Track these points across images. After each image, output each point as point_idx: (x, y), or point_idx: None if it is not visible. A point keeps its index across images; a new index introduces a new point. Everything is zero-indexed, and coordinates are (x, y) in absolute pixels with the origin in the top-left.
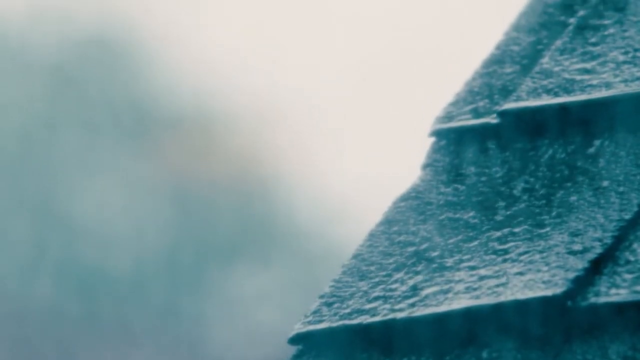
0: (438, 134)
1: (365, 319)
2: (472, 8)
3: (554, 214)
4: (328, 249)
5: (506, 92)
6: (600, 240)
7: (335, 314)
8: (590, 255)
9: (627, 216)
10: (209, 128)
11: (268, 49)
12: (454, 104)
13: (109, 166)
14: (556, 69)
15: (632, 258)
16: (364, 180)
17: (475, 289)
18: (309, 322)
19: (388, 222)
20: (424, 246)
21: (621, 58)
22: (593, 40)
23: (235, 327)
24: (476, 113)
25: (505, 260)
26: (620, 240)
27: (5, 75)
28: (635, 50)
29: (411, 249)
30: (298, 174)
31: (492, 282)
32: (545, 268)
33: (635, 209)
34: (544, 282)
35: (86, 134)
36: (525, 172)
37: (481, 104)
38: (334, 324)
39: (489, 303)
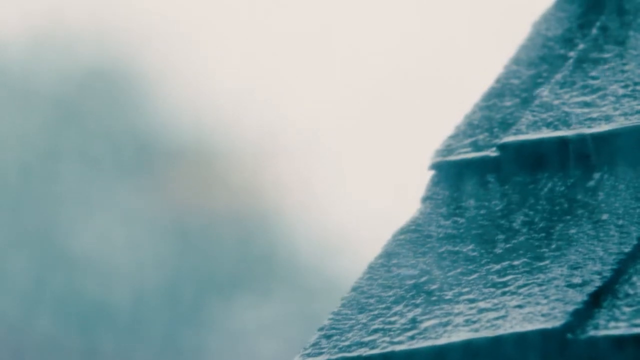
0: (438, 167)
1: (365, 352)
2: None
3: (553, 247)
4: (327, 282)
5: (506, 125)
6: (599, 273)
7: (334, 347)
8: (590, 289)
9: (627, 249)
10: (210, 161)
11: (269, 82)
12: (454, 137)
13: (109, 199)
14: (556, 102)
15: (631, 291)
16: (363, 213)
17: (474, 322)
18: (308, 355)
19: (387, 254)
20: (423, 279)
21: (621, 91)
22: (593, 73)
23: (236, 359)
24: (476, 146)
25: (504, 293)
26: (619, 274)
27: (6, 107)
28: (635, 83)
29: (410, 281)
30: (298, 207)
31: (492, 315)
32: (545, 301)
33: (635, 242)
34: (543, 315)
35: (86, 166)
36: (525, 205)
37: (481, 137)
38: (333, 357)
39: (488, 336)
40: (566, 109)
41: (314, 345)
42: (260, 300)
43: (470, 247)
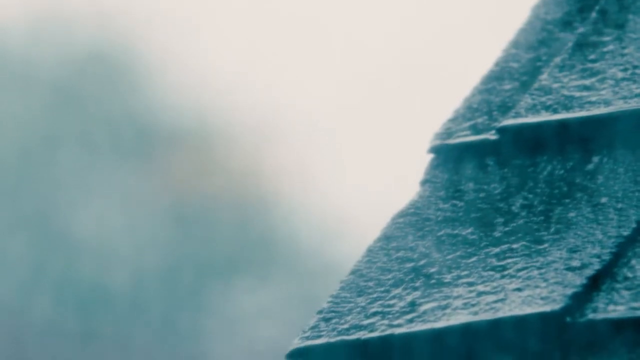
0: (437, 150)
1: (363, 335)
2: (472, 25)
3: (552, 230)
4: (326, 265)
5: (505, 108)
6: (598, 256)
7: (333, 330)
8: (589, 272)
9: (626, 233)
10: (209, 145)
11: (268, 65)
12: (453, 120)
13: (108, 183)
14: (555, 85)
15: (630, 275)
16: (362, 197)
17: (473, 305)
18: (307, 338)
19: (386, 238)
20: (422, 262)
21: (620, 75)
22: (592, 57)
23: (234, 343)
24: (475, 129)
25: (503, 277)
26: (618, 257)
27: (5, 92)
28: (634, 67)
29: (409, 264)
30: (297, 191)
31: (490, 298)
32: (544, 284)
33: (634, 225)
34: (542, 298)
35: (86, 150)
36: (524, 189)
37: (480, 120)
38: (332, 340)
39: (487, 319)
40: (565, 92)
41: (313, 328)
42: (259, 284)
43: (470, 230)
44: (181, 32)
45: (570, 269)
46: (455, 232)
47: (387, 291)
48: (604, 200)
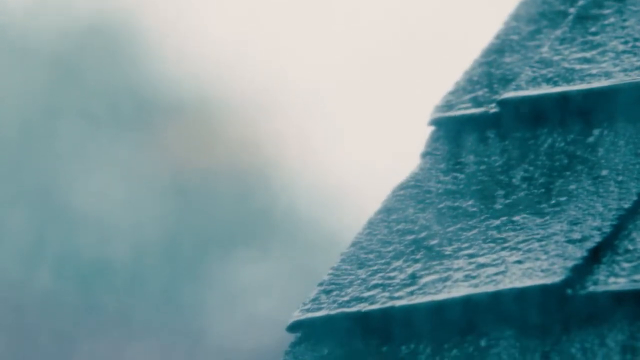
0: (437, 122)
1: (364, 307)
2: None
3: (553, 202)
4: (327, 237)
5: (506, 81)
6: (599, 229)
7: (334, 302)
8: (589, 244)
9: (626, 205)
10: (209, 117)
11: (268, 37)
12: (454, 92)
13: (108, 156)
14: (556, 58)
15: (631, 247)
16: (363, 169)
17: (474, 277)
18: (308, 310)
19: (387, 210)
20: (423, 234)
21: (621, 48)
22: (593, 29)
23: (235, 315)
24: (476, 102)
25: (504, 249)
26: (619, 229)
27: (5, 65)
28: (635, 39)
29: (410, 237)
30: (297, 163)
31: (491, 270)
32: (544, 256)
33: (634, 198)
34: (542, 271)
35: (86, 123)
36: (525, 161)
37: (481, 93)
38: (333, 312)
39: (487, 291)
40: (566, 65)
41: (313, 300)
42: (259, 256)
43: (470, 202)
44: (180, 4)
45: (571, 241)
46: (456, 204)
47: (388, 263)
48: (604, 172)
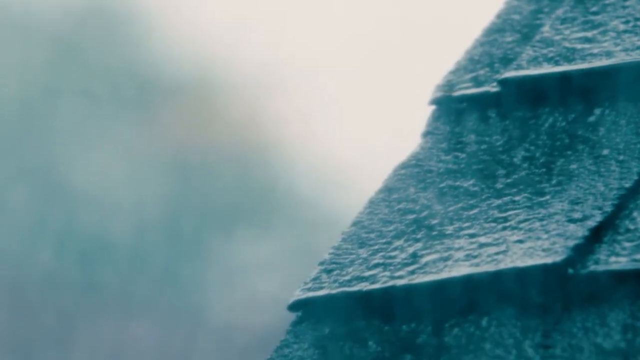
0: (438, 102)
1: (365, 286)
2: None
3: (554, 182)
4: (328, 217)
5: (507, 60)
6: (600, 208)
7: (334, 281)
8: (590, 224)
9: (627, 184)
10: (210, 96)
11: (269, 16)
12: (455, 72)
13: (109, 134)
14: (557, 37)
15: (632, 226)
16: (364, 148)
17: (475, 257)
18: (309, 289)
19: (388, 189)
20: (424, 214)
21: (622, 27)
22: (594, 9)
23: (235, 294)
24: (477, 81)
25: (505, 228)
26: (620, 209)
27: (6, 43)
28: (636, 19)
29: (411, 216)
30: (298, 142)
31: (492, 249)
32: (545, 236)
33: (635, 177)
34: (543, 250)
35: (86, 102)
36: (526, 141)
37: (482, 72)
38: (334, 291)
39: (488, 271)
40: (567, 44)
41: (314, 279)
42: (260, 235)
43: (471, 182)
44: None
45: (572, 220)
46: (457, 183)
47: (389, 243)
48: (605, 152)
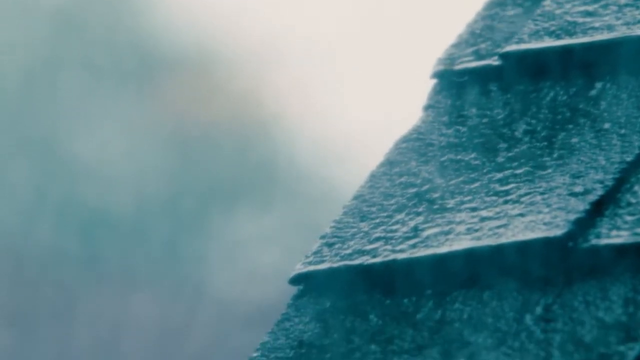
0: (440, 75)
1: (366, 260)
2: None
3: (555, 155)
4: (329, 190)
5: (508, 34)
6: (601, 182)
7: (336, 255)
8: (592, 197)
9: (629, 158)
10: (211, 70)
11: None
12: (456, 45)
13: (110, 108)
14: (558, 11)
15: (633, 200)
16: (365, 122)
17: (476, 230)
18: (310, 263)
19: (389, 163)
20: (425, 187)
21: (623, 1)
22: None
23: (237, 268)
24: (478, 55)
25: (506, 202)
26: (621, 183)
27: (8, 15)
28: None
29: (412, 190)
30: (299, 116)
31: (493, 223)
32: (547, 209)
33: (637, 151)
34: (545, 224)
35: (88, 75)
36: (527, 114)
37: (483, 46)
38: (335, 265)
39: (490, 244)
40: (568, 18)
41: (315, 253)
42: (262, 208)
43: (473, 155)
44: None
45: (573, 194)
46: (458, 157)
47: (390, 216)
48: (607, 125)
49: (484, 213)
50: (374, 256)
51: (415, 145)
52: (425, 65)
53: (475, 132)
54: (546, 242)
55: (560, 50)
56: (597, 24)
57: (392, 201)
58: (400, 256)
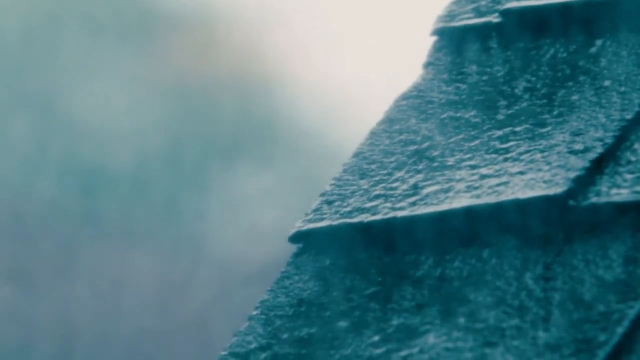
0: (440, 32)
1: (366, 218)
2: None
3: (555, 113)
4: (329, 147)
5: None
6: (601, 139)
7: (336, 212)
8: (592, 155)
9: (629, 116)
10: (211, 26)
11: None
12: (456, 2)
13: (110, 64)
14: None
15: (633, 158)
16: (365, 79)
17: (476, 188)
18: (310, 221)
19: (389, 120)
20: (425, 145)
21: None
22: None
23: (236, 225)
24: (478, 12)
25: (506, 160)
26: (621, 140)
27: None
28: None
29: (412, 147)
30: (300, 72)
31: (493, 181)
32: (546, 167)
33: (637, 108)
34: (545, 182)
35: (88, 30)
36: (527, 71)
37: (483, 2)
38: (335, 222)
39: (489, 202)
40: None
41: (315, 210)
42: (261, 166)
43: (472, 113)
44: None
45: (573, 152)
46: (458, 114)
47: (390, 174)
48: (607, 83)
49: (483, 171)
50: (374, 214)
51: (415, 102)
52: (426, 22)
53: (475, 90)
54: (546, 200)
55: (560, 7)
56: None
57: (392, 159)
58: (400, 214)
